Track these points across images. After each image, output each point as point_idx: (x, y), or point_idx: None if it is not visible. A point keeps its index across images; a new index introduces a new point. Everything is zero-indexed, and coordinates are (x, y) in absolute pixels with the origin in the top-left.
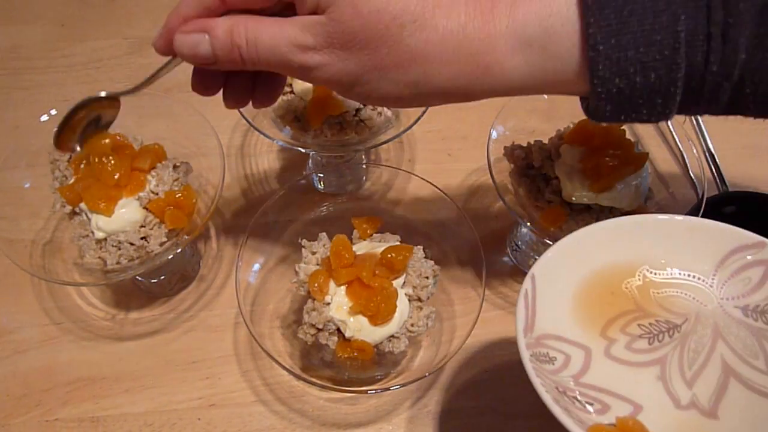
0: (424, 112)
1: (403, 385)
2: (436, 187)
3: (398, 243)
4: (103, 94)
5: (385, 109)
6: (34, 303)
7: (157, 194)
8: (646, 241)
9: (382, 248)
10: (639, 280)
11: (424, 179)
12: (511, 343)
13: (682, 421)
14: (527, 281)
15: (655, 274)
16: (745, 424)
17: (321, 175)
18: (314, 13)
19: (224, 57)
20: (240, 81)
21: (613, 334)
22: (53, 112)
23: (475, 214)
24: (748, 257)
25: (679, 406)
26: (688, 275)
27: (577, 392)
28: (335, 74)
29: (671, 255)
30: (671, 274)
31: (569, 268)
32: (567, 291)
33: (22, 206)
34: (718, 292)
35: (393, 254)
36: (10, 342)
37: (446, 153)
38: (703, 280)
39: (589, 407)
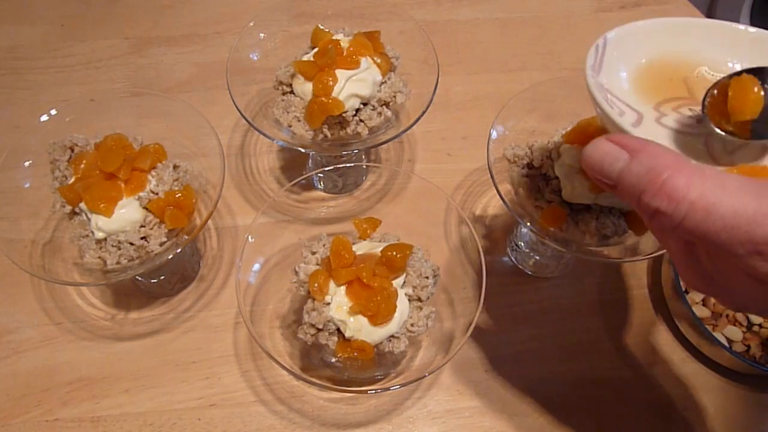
0: (424, 112)
1: (403, 385)
2: (436, 187)
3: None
4: None
5: (385, 108)
6: (34, 303)
7: (157, 194)
8: (713, 44)
9: (382, 248)
10: (697, 76)
11: (424, 179)
12: (511, 343)
13: None
14: (600, 40)
15: (713, 75)
16: None
17: (321, 175)
18: None
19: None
20: None
21: (665, 110)
22: (53, 112)
23: (475, 214)
24: None
25: (717, 165)
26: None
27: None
28: None
29: (732, 60)
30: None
31: (638, 45)
32: (631, 64)
33: (22, 206)
34: None
35: (393, 252)
36: (10, 342)
37: (446, 153)
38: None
39: None
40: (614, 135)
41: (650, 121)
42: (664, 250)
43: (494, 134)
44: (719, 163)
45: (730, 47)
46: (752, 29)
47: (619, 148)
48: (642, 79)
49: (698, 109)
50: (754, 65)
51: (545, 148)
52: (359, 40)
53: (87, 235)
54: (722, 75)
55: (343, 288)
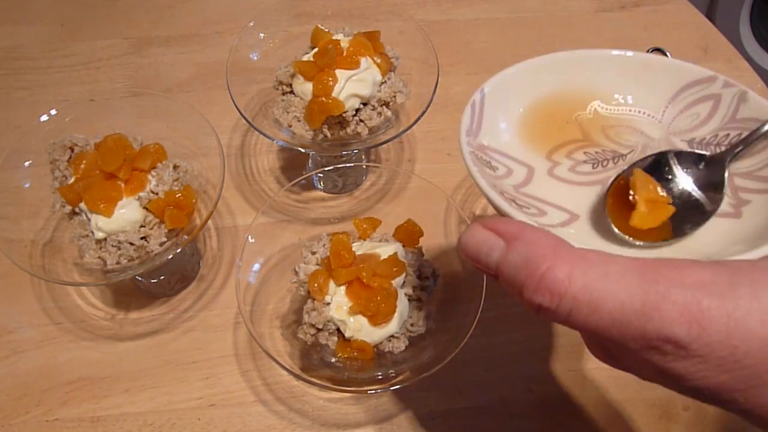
0: (423, 112)
1: (403, 385)
2: (436, 187)
3: (398, 244)
4: None
5: (385, 108)
6: (34, 303)
7: (157, 194)
8: (601, 76)
9: (382, 248)
10: (590, 113)
11: (424, 179)
12: (511, 343)
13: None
14: (476, 95)
15: (606, 108)
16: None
17: (321, 175)
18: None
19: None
20: None
21: (557, 158)
22: (53, 112)
23: (475, 214)
24: (698, 93)
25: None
26: (639, 111)
27: (516, 197)
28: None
29: (624, 91)
30: (621, 110)
31: (521, 91)
32: (516, 112)
33: (22, 206)
34: (667, 127)
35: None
36: (10, 342)
37: (446, 153)
38: (653, 116)
39: (525, 209)
40: (490, 220)
41: (542, 174)
42: None
43: None
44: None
45: (617, 77)
46: (641, 55)
47: (495, 236)
48: (529, 126)
49: (594, 151)
50: (646, 94)
51: None
52: (359, 40)
53: (87, 235)
54: (617, 109)
55: (343, 288)
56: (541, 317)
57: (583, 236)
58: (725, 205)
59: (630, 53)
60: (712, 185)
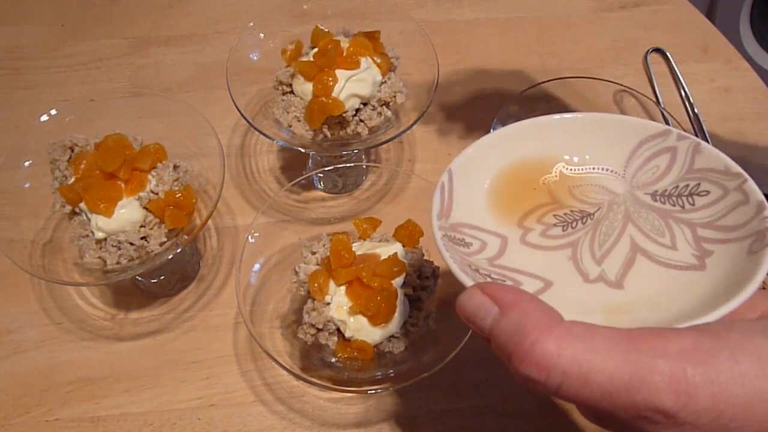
0: (424, 112)
1: (403, 385)
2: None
3: (398, 244)
4: None
5: (385, 108)
6: (34, 303)
7: (157, 194)
8: (561, 139)
9: (382, 248)
10: (555, 176)
11: (424, 179)
12: None
13: (590, 291)
14: (444, 176)
15: (571, 169)
16: (648, 291)
17: (321, 175)
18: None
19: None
20: None
21: (529, 224)
22: (53, 112)
23: None
24: (656, 146)
25: (587, 281)
26: (602, 169)
27: (491, 272)
28: None
29: (585, 151)
30: (585, 169)
31: (487, 164)
32: (484, 185)
33: (22, 206)
34: (630, 181)
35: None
36: (10, 342)
37: (446, 153)
38: (616, 172)
39: (501, 283)
40: (489, 285)
41: (515, 243)
42: None
43: None
44: (587, 278)
45: (576, 138)
46: (597, 115)
47: (490, 301)
48: (499, 196)
49: (562, 213)
50: (607, 151)
51: None
52: (359, 40)
53: (87, 235)
54: (581, 168)
55: (343, 288)
56: (529, 388)
57: (557, 304)
58: (689, 257)
59: (581, 115)
60: None
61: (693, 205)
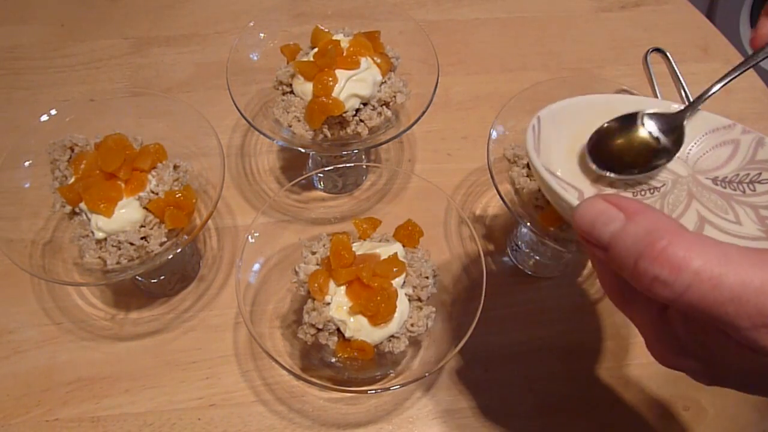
0: (424, 112)
1: (403, 385)
2: (436, 187)
3: (398, 244)
4: None
5: (385, 108)
6: (34, 303)
7: (157, 194)
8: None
9: (382, 248)
10: None
11: (424, 179)
12: (511, 343)
13: None
14: (534, 120)
15: None
16: None
17: (321, 175)
18: None
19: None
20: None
21: (601, 187)
22: (53, 112)
23: (475, 214)
24: (720, 137)
25: None
26: None
27: None
28: None
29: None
30: None
31: (569, 124)
32: (564, 142)
33: (22, 206)
34: (692, 166)
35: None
36: (10, 342)
37: (446, 153)
38: (679, 156)
39: None
40: (610, 195)
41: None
42: None
43: (494, 134)
44: None
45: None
46: (672, 104)
47: (615, 209)
48: (575, 156)
49: (630, 182)
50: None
51: None
52: (359, 40)
53: (87, 235)
54: None
55: (343, 288)
56: (649, 292)
57: None
58: (756, 231)
59: (661, 101)
60: (675, 133)
61: (754, 191)
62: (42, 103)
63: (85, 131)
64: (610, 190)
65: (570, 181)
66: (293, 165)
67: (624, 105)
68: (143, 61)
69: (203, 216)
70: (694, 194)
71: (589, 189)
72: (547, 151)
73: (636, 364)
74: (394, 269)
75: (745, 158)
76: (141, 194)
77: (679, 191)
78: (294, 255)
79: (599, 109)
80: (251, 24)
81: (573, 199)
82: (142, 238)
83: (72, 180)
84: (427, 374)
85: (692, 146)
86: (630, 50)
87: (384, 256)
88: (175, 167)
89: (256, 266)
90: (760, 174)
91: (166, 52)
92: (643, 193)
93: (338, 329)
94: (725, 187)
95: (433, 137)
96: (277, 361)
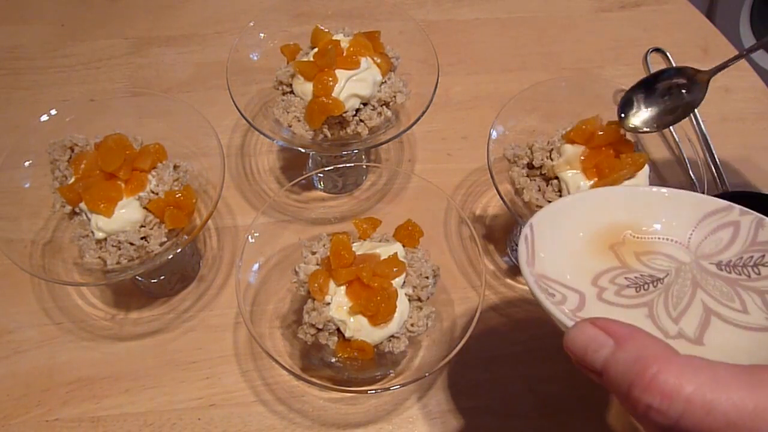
0: (423, 112)
1: (403, 385)
2: (437, 187)
3: (398, 244)
4: None
5: (385, 108)
6: (34, 303)
7: (157, 194)
8: (629, 209)
9: (382, 248)
10: (622, 243)
11: (424, 179)
12: (511, 343)
13: (673, 346)
14: (526, 228)
15: (637, 238)
16: (728, 348)
17: (321, 175)
18: None
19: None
20: None
21: (603, 284)
22: (53, 112)
23: (475, 214)
24: (719, 220)
25: (668, 336)
26: (667, 239)
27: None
28: None
29: (651, 221)
30: (651, 237)
31: (562, 224)
32: (560, 243)
33: (22, 206)
34: (694, 252)
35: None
36: (10, 342)
37: (446, 153)
38: (680, 243)
39: None
40: (599, 319)
41: (593, 299)
42: None
43: (494, 134)
44: (667, 334)
45: (643, 208)
46: (664, 189)
47: (604, 334)
48: (573, 256)
49: (633, 276)
50: (669, 222)
51: (545, 148)
52: (359, 40)
53: (87, 235)
54: (647, 237)
55: (343, 288)
56: (645, 420)
57: None
58: (763, 320)
59: (649, 189)
60: (698, 90)
61: (759, 274)
62: (42, 103)
63: (85, 131)
64: (611, 287)
65: (570, 285)
66: (293, 165)
67: (616, 196)
68: (143, 61)
69: (203, 216)
70: (698, 282)
71: (590, 290)
72: (545, 256)
73: None
74: (394, 269)
75: (746, 241)
76: (141, 194)
77: (683, 280)
78: (294, 255)
79: (592, 204)
80: (251, 24)
81: (566, 319)
82: (142, 238)
83: (72, 180)
84: (427, 374)
85: (693, 232)
86: (630, 50)
87: (384, 256)
88: (175, 167)
89: (256, 266)
90: (763, 256)
91: (166, 52)
92: (646, 287)
93: (338, 329)
94: (730, 272)
95: (433, 137)
96: (277, 361)
